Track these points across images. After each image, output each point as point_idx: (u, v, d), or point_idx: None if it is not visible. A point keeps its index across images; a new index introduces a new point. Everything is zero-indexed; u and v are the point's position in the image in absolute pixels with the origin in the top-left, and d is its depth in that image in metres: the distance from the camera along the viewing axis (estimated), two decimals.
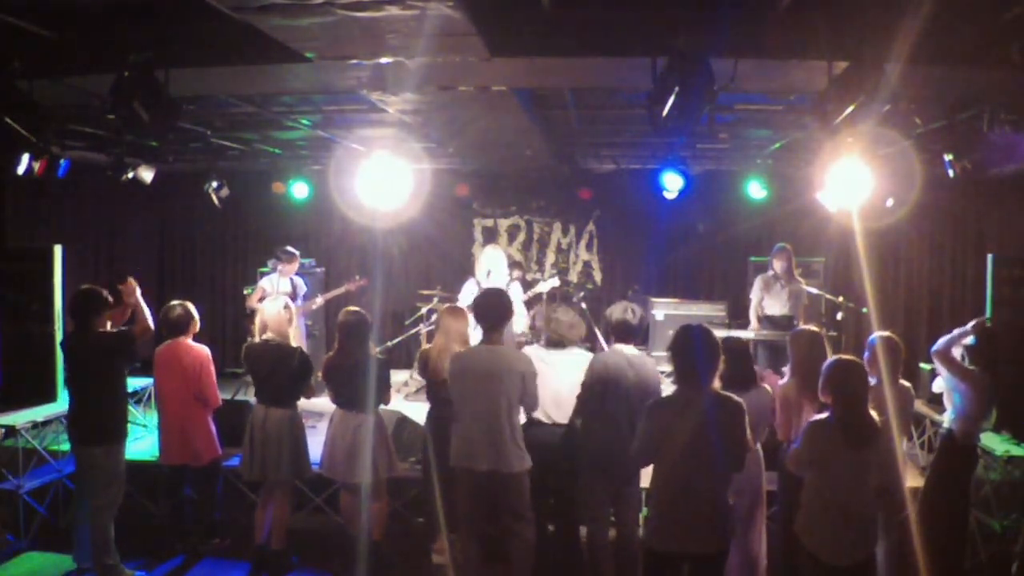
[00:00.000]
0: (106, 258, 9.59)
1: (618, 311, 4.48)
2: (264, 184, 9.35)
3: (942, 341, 4.67)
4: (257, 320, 5.14)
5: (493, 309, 4.47)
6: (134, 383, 7.10)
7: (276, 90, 5.21)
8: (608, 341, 4.70)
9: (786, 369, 4.58)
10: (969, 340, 4.72)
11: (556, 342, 4.74)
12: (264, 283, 7.68)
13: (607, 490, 4.46)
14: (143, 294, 4.98)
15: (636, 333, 4.49)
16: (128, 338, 4.75)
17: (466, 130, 6.51)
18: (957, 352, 4.73)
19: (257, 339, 5.07)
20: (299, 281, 7.84)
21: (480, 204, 10.38)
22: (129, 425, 5.09)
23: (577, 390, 4.50)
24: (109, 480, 4.70)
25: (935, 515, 4.56)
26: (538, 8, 3.61)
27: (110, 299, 4.81)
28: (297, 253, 7.85)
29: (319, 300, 7.96)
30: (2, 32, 3.82)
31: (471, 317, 4.83)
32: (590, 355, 4.83)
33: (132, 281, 4.97)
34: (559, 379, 4.56)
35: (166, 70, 3.99)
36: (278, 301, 5.10)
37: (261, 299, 6.95)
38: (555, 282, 8.06)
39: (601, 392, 4.34)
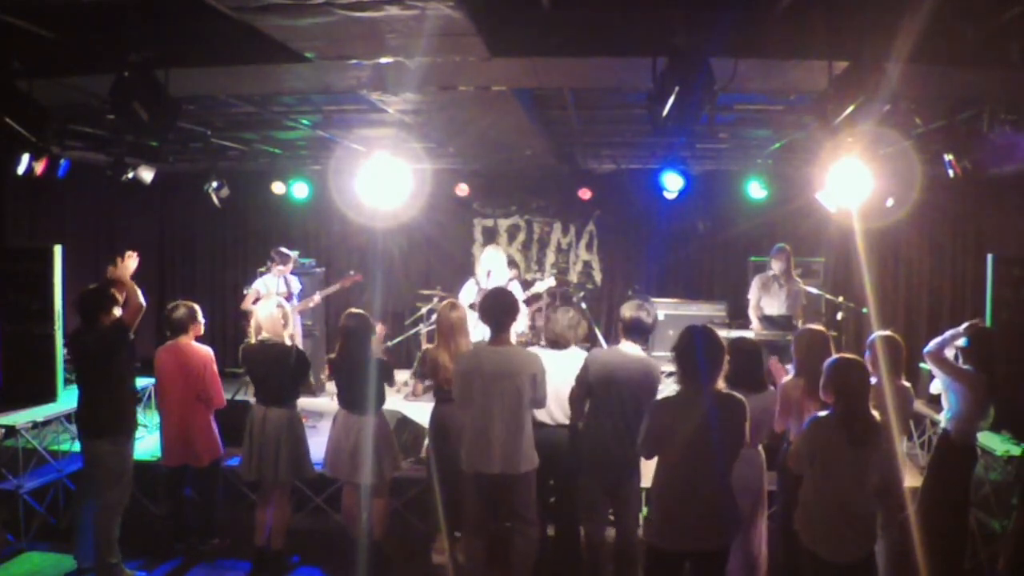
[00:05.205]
0: (106, 258, 9.53)
1: (632, 308, 4.41)
2: (264, 184, 9.35)
3: (934, 343, 4.67)
4: (252, 322, 5.15)
5: (500, 308, 4.43)
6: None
7: (276, 90, 5.21)
8: (608, 339, 4.69)
9: (790, 367, 4.58)
10: (961, 342, 4.72)
11: (555, 342, 4.74)
12: (257, 284, 7.68)
13: (604, 489, 4.45)
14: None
15: (647, 332, 4.47)
16: (122, 327, 4.66)
17: (466, 130, 6.51)
18: (950, 353, 4.73)
19: (253, 340, 5.07)
20: (293, 280, 7.84)
21: (480, 204, 10.38)
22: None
23: None
24: (117, 478, 4.70)
25: (934, 515, 4.56)
26: (538, 8, 3.61)
27: (119, 298, 4.79)
28: (291, 254, 7.84)
29: (316, 297, 7.95)
30: (2, 32, 3.82)
31: (474, 316, 4.81)
32: None
33: (120, 261, 4.82)
34: (560, 379, 4.55)
35: (166, 70, 3.99)
36: (271, 302, 5.11)
37: (255, 301, 6.95)
38: (551, 281, 8.06)
39: (595, 390, 4.33)
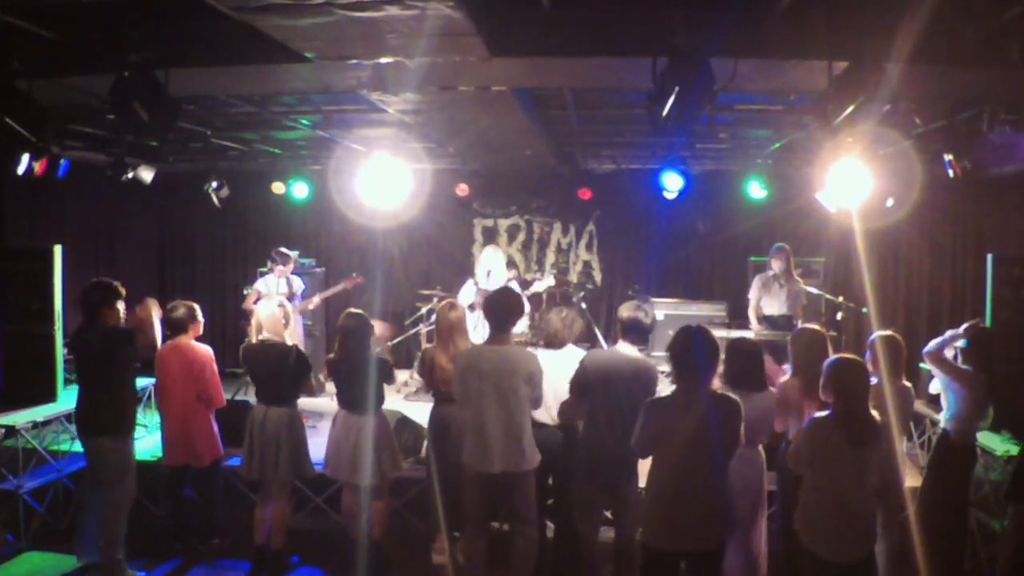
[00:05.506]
0: (106, 258, 9.60)
1: (630, 309, 4.41)
2: (264, 184, 9.36)
3: (933, 344, 4.67)
4: (253, 321, 5.15)
5: (504, 308, 4.43)
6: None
7: (276, 90, 5.21)
8: (608, 339, 4.69)
9: (787, 367, 4.58)
10: (961, 343, 4.71)
11: (551, 342, 4.74)
12: (259, 285, 7.69)
13: (603, 490, 4.44)
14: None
15: (645, 333, 4.46)
16: (131, 335, 4.68)
17: (466, 130, 6.51)
18: (950, 353, 4.73)
19: (254, 340, 5.07)
20: (296, 280, 7.84)
21: (480, 204, 10.38)
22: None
23: None
24: (120, 475, 4.70)
25: (934, 515, 4.56)
26: (538, 8, 3.62)
27: (122, 290, 4.78)
28: (292, 254, 7.84)
29: (316, 299, 7.96)
30: (2, 32, 3.82)
31: (473, 315, 4.81)
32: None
33: (149, 302, 4.84)
34: (558, 378, 4.54)
35: (166, 70, 3.99)
36: (272, 301, 5.11)
37: (256, 301, 6.94)
38: (550, 281, 8.07)
39: (593, 391, 4.32)
